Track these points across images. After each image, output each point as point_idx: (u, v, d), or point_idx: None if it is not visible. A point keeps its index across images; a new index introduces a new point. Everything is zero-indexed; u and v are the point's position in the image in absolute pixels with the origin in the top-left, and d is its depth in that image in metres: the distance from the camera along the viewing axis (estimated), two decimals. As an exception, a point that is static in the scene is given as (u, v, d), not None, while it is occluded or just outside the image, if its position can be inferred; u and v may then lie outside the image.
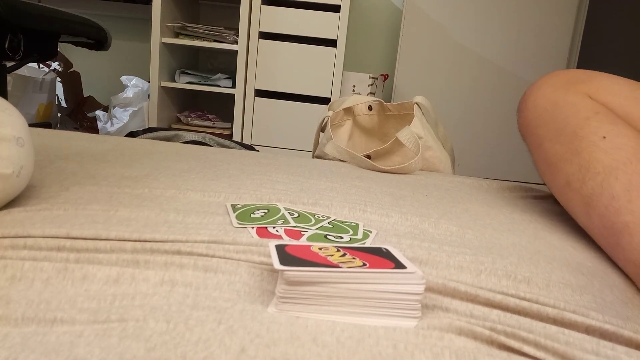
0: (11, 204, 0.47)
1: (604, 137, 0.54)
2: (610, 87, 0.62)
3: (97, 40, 1.66)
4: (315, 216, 0.51)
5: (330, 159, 0.93)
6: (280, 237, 0.44)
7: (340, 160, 0.91)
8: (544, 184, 0.65)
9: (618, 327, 0.35)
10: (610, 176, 0.50)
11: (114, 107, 2.47)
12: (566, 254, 0.48)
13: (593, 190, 0.52)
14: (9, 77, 1.92)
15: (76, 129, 2.52)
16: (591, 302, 0.38)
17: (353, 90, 2.25)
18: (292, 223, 0.47)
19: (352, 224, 0.50)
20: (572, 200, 0.56)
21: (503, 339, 0.32)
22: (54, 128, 2.44)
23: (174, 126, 2.41)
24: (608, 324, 0.35)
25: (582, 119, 0.58)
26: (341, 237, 0.45)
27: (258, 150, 1.06)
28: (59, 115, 2.53)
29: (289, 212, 0.51)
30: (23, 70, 2.16)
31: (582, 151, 0.55)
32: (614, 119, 0.57)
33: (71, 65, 2.61)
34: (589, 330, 0.34)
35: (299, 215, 0.50)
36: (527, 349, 0.31)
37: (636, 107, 0.60)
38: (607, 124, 0.56)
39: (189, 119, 2.43)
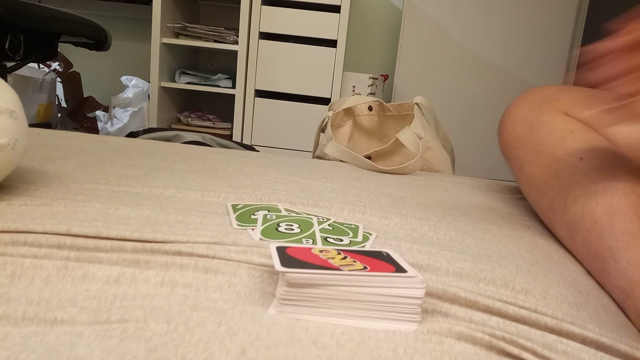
0: (11, 196, 0.47)
1: (581, 159, 0.53)
2: (585, 100, 0.61)
3: (97, 41, 1.66)
4: (318, 218, 0.51)
5: (331, 160, 0.93)
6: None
7: (341, 161, 0.91)
8: None
9: (614, 341, 0.35)
10: (591, 200, 0.49)
11: (114, 107, 2.47)
12: (563, 267, 0.48)
13: (575, 214, 0.51)
14: (9, 77, 1.92)
15: (76, 129, 2.52)
16: (587, 318, 0.38)
17: (353, 91, 2.25)
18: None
19: (352, 226, 0.50)
20: (556, 225, 0.55)
21: (502, 345, 0.32)
22: (54, 128, 2.44)
23: (174, 126, 2.41)
24: (605, 337, 0.35)
25: (558, 140, 0.57)
26: (341, 240, 0.45)
27: (258, 151, 1.06)
28: (59, 115, 2.53)
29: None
30: (23, 71, 2.16)
31: (561, 174, 0.54)
32: (590, 136, 0.56)
33: (71, 66, 2.61)
34: (585, 342, 0.34)
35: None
36: (525, 355, 0.31)
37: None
38: (583, 144, 0.55)
39: (189, 119, 2.43)
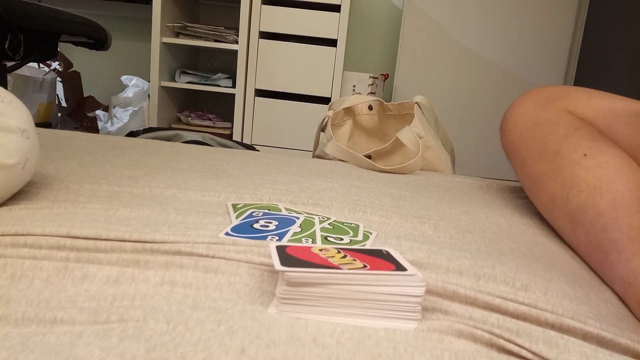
0: (12, 200, 0.47)
1: (585, 155, 0.54)
2: (589, 101, 0.62)
3: (97, 40, 1.66)
4: (318, 217, 0.51)
5: (331, 159, 0.93)
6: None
7: (341, 160, 0.91)
8: None
9: (615, 335, 0.35)
10: (595, 194, 0.51)
11: (114, 107, 2.47)
12: (564, 263, 0.48)
13: (578, 207, 0.52)
14: (9, 77, 1.92)
15: (76, 129, 2.52)
16: (588, 312, 0.38)
17: (353, 90, 2.25)
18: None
19: (353, 225, 0.50)
20: (557, 218, 0.56)
21: (502, 342, 0.32)
22: (54, 128, 2.44)
23: (174, 126, 2.41)
24: (605, 331, 0.35)
25: (561, 137, 0.58)
26: (341, 239, 0.45)
27: (258, 150, 1.06)
28: (59, 115, 2.53)
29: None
30: (23, 70, 2.15)
31: (564, 169, 0.55)
32: (594, 134, 0.57)
33: (71, 65, 2.61)
34: (586, 337, 0.35)
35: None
36: (525, 353, 0.31)
37: (615, 119, 0.60)
38: (587, 141, 0.56)
39: (189, 118, 2.43)
